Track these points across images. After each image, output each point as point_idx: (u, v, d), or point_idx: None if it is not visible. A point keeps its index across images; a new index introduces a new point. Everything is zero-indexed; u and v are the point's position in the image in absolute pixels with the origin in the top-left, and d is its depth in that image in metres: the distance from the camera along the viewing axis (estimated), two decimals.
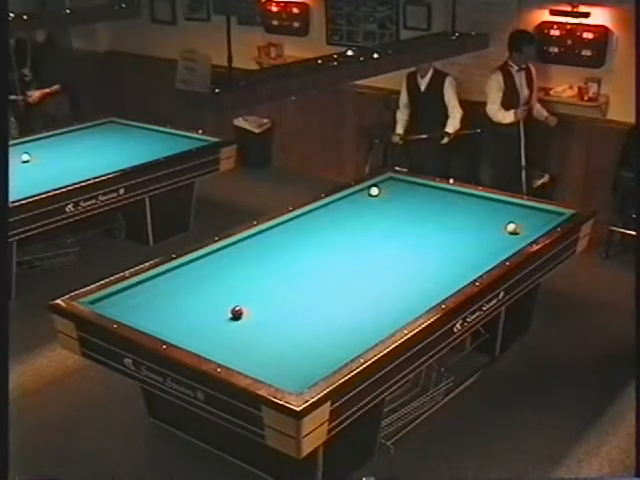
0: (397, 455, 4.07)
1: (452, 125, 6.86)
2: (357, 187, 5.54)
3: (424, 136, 6.85)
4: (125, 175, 6.12)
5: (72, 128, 7.36)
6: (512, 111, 6.50)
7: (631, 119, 5.95)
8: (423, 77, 6.93)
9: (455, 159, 7.19)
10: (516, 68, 6.51)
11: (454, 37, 5.00)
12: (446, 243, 4.63)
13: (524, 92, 6.55)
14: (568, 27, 6.54)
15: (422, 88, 6.97)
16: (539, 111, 6.69)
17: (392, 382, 3.60)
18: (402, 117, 7.11)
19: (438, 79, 6.90)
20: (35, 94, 7.68)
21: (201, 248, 4.52)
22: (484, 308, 4.14)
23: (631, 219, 6.06)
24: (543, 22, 6.67)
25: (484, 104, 7.11)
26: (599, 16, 6.39)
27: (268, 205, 6.26)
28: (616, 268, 6.09)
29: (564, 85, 6.68)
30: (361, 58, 4.28)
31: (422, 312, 3.74)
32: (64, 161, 6.44)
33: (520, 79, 6.54)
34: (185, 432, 4.21)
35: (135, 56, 9.39)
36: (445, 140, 6.88)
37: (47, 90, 7.77)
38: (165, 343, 3.51)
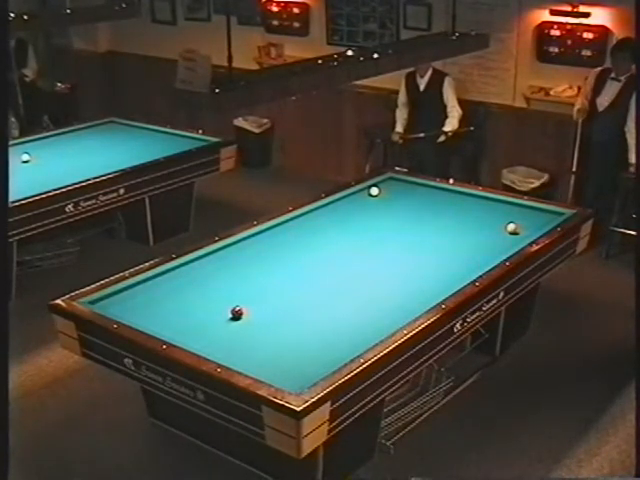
0: (397, 455, 4.08)
1: (450, 124, 6.86)
2: (357, 187, 5.54)
3: (421, 135, 6.86)
4: (125, 175, 6.12)
5: (72, 128, 7.37)
6: (576, 107, 6.26)
7: None
8: (422, 77, 6.93)
9: (455, 159, 7.20)
10: (612, 75, 6.15)
11: (454, 37, 4.99)
12: (446, 243, 4.63)
13: (603, 101, 6.19)
14: (568, 27, 6.55)
15: (421, 88, 6.97)
16: (631, 145, 5.98)
17: (392, 382, 3.59)
18: (401, 116, 7.13)
19: (437, 79, 6.91)
20: None
21: (201, 248, 4.52)
22: (484, 308, 4.14)
23: (631, 219, 6.06)
24: (543, 22, 6.67)
25: (484, 104, 7.13)
26: (599, 16, 6.39)
27: (268, 205, 6.26)
28: (616, 268, 6.09)
29: (564, 85, 6.68)
30: (361, 58, 4.27)
31: (422, 312, 3.74)
32: (64, 161, 6.44)
33: (610, 88, 6.15)
34: (185, 432, 4.21)
35: (135, 56, 9.39)
36: (441, 138, 6.87)
37: None
38: (165, 343, 3.50)
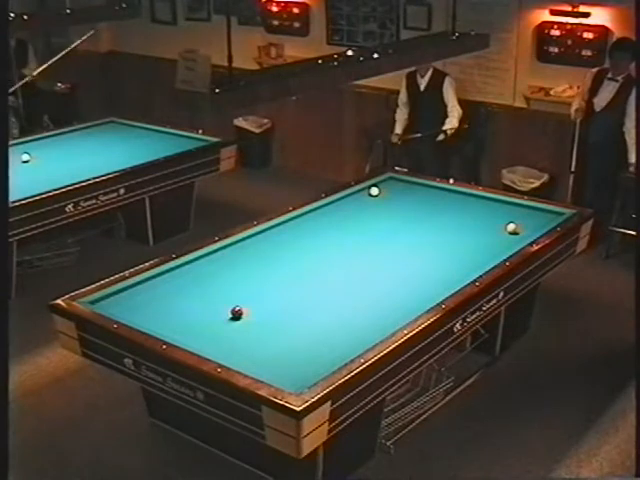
0: (397, 455, 4.08)
1: (450, 124, 6.87)
2: (357, 187, 5.54)
3: (419, 135, 6.87)
4: (125, 175, 6.12)
5: (72, 128, 7.37)
6: (574, 107, 6.26)
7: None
8: (423, 77, 6.94)
9: (455, 159, 7.20)
10: (609, 75, 6.16)
11: (454, 37, 5.00)
12: (446, 243, 4.63)
13: (600, 101, 6.19)
14: (568, 27, 6.55)
15: (422, 88, 6.98)
16: (631, 145, 6.00)
17: (392, 382, 3.59)
18: (401, 116, 7.12)
19: (437, 79, 6.91)
20: None
21: (201, 248, 4.52)
22: (484, 308, 4.14)
23: (631, 219, 6.06)
24: (543, 22, 6.67)
25: (484, 104, 7.13)
26: (599, 16, 6.39)
27: (268, 205, 6.26)
28: (616, 268, 6.09)
29: (564, 85, 6.68)
30: (361, 58, 4.28)
31: (422, 312, 3.74)
32: (64, 161, 6.44)
33: (608, 88, 6.15)
34: (185, 432, 4.21)
35: (135, 56, 9.39)
36: (441, 137, 6.87)
37: None
38: (165, 343, 3.50)
